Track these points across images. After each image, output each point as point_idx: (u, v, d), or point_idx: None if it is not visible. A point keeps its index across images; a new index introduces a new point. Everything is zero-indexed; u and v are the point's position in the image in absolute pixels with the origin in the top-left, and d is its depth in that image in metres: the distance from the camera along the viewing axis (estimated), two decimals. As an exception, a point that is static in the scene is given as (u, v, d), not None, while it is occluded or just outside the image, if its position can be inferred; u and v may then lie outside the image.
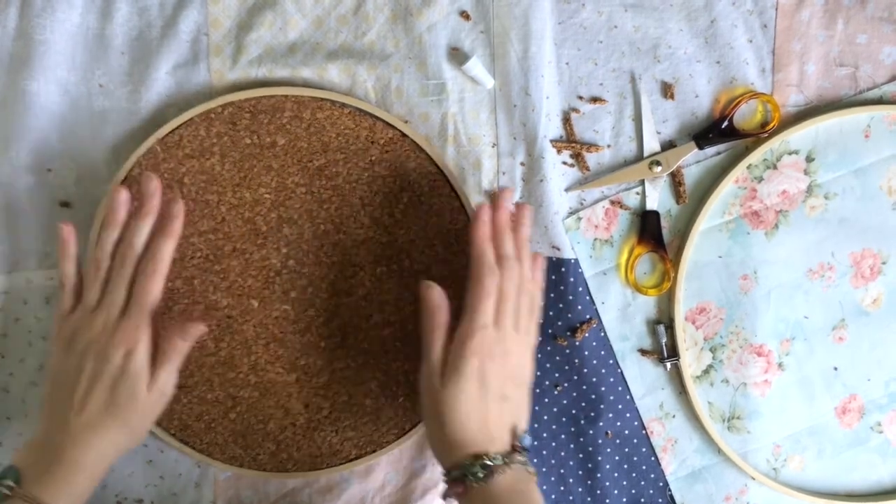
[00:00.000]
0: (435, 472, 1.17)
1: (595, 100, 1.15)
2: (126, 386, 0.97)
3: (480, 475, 0.94)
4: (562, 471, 1.20)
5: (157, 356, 1.00)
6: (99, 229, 1.05)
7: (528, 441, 1.00)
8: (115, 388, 0.97)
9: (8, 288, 1.11)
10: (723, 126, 1.14)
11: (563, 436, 1.19)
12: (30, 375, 1.13)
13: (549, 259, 1.16)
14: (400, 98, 1.13)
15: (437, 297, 1.02)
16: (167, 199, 1.04)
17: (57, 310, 1.03)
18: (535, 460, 1.19)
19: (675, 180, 1.16)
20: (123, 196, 1.03)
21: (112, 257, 1.02)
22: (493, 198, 1.07)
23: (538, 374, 1.17)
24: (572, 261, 1.15)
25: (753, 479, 1.20)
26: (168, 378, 1.02)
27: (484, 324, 0.99)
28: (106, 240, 1.03)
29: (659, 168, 1.14)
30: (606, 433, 1.19)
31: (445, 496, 0.99)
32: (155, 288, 1.00)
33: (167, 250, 1.02)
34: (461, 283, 1.07)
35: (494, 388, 0.99)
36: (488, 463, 0.95)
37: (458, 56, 1.13)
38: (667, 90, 1.15)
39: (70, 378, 0.98)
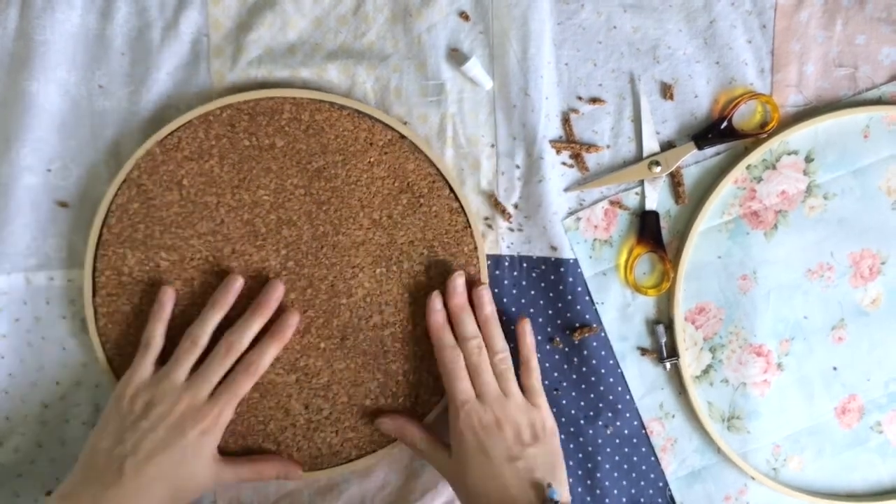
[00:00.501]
0: (434, 473, 1.17)
1: (594, 100, 1.15)
2: (193, 460, 1.00)
3: None
4: (561, 471, 1.20)
5: (239, 462, 1.07)
6: (203, 309, 1.08)
7: (556, 495, 1.01)
8: (180, 462, 0.99)
9: (7, 288, 1.11)
10: (722, 126, 1.14)
11: (562, 435, 1.18)
12: (29, 376, 1.13)
13: (548, 259, 1.16)
14: (399, 98, 1.13)
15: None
16: (284, 307, 1.11)
17: (134, 368, 1.04)
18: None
19: (675, 181, 1.16)
20: (238, 284, 1.09)
21: (209, 337, 1.06)
22: (447, 285, 1.12)
23: (538, 374, 1.18)
24: (571, 261, 1.15)
25: (753, 479, 1.20)
26: (230, 479, 1.06)
27: (464, 400, 1.06)
28: (209, 319, 1.06)
29: (658, 168, 1.14)
30: (606, 431, 1.19)
31: None
32: (249, 385, 1.05)
33: (272, 354, 1.07)
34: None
35: (499, 453, 1.03)
36: None
37: (457, 57, 1.13)
38: (666, 91, 1.15)
39: (132, 440, 0.98)
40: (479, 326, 1.11)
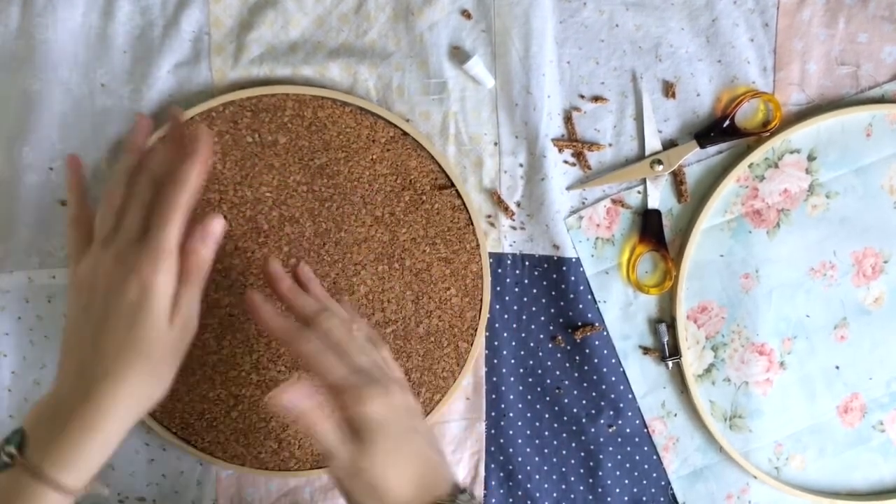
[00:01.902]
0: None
1: (596, 99, 1.15)
2: (144, 320, 0.83)
3: None
4: (563, 469, 1.20)
5: (178, 280, 0.87)
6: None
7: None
8: (132, 326, 0.83)
9: (9, 286, 1.11)
10: (724, 125, 1.14)
11: (564, 434, 1.19)
12: (33, 374, 1.13)
13: (551, 258, 1.16)
14: (401, 97, 1.13)
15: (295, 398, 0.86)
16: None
17: (68, 252, 0.97)
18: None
19: (677, 179, 1.16)
20: (145, 122, 1.02)
21: (128, 186, 0.92)
22: (266, 276, 0.98)
23: (539, 372, 1.18)
24: (574, 260, 1.15)
25: (755, 477, 1.20)
26: (192, 304, 0.89)
27: (343, 375, 0.87)
28: (122, 166, 0.94)
29: (660, 167, 1.14)
30: (608, 430, 1.19)
31: None
32: (179, 206, 0.87)
33: (193, 173, 0.89)
34: (463, 281, 1.08)
35: (399, 426, 0.88)
36: None
37: (459, 55, 1.13)
38: (668, 89, 1.15)
39: (81, 323, 0.86)
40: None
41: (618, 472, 1.20)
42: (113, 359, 0.83)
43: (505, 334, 1.17)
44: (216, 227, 0.90)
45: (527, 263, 1.16)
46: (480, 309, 1.15)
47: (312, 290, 1.01)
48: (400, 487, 0.85)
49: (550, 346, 1.17)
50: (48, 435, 0.81)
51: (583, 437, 1.19)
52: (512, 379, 1.18)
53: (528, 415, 1.19)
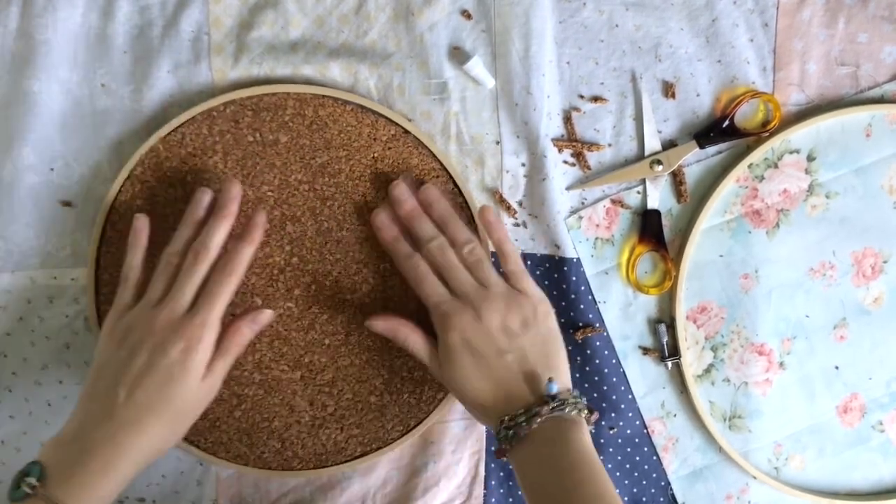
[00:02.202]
0: (436, 470, 1.17)
1: (596, 99, 1.15)
2: (180, 382, 0.93)
3: (511, 436, 0.95)
4: (564, 469, 1.20)
5: (216, 349, 0.98)
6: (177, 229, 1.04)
7: (554, 388, 0.97)
8: (168, 385, 0.93)
9: (11, 287, 1.11)
10: (724, 125, 1.14)
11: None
12: (34, 375, 1.13)
13: (552, 258, 1.16)
14: (402, 97, 1.13)
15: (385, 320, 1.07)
16: (251, 208, 1.09)
17: (115, 303, 1.01)
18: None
19: (676, 179, 1.16)
20: (206, 197, 1.05)
21: (184, 255, 1.00)
22: (390, 195, 1.09)
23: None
24: (574, 260, 1.15)
25: (755, 478, 1.20)
26: (222, 371, 0.99)
27: (437, 302, 1.03)
28: (180, 237, 1.02)
29: (660, 167, 1.14)
30: (609, 431, 1.19)
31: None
32: (228, 290, 0.99)
33: (246, 255, 1.01)
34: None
35: (487, 349, 1.00)
36: (512, 424, 0.95)
37: (459, 55, 1.13)
38: (668, 89, 1.15)
39: (118, 371, 0.94)
40: (438, 227, 1.08)
41: (618, 473, 1.20)
42: (145, 410, 0.92)
43: (506, 333, 1.17)
44: (265, 318, 1.04)
45: (528, 263, 1.16)
46: (482, 308, 1.14)
47: (435, 211, 1.08)
48: (479, 398, 1.00)
49: (551, 345, 1.18)
50: (69, 470, 0.88)
51: (583, 438, 1.19)
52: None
53: (529, 414, 1.19)
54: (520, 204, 1.16)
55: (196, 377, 0.95)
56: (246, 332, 1.01)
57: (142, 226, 1.04)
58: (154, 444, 0.93)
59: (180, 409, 0.95)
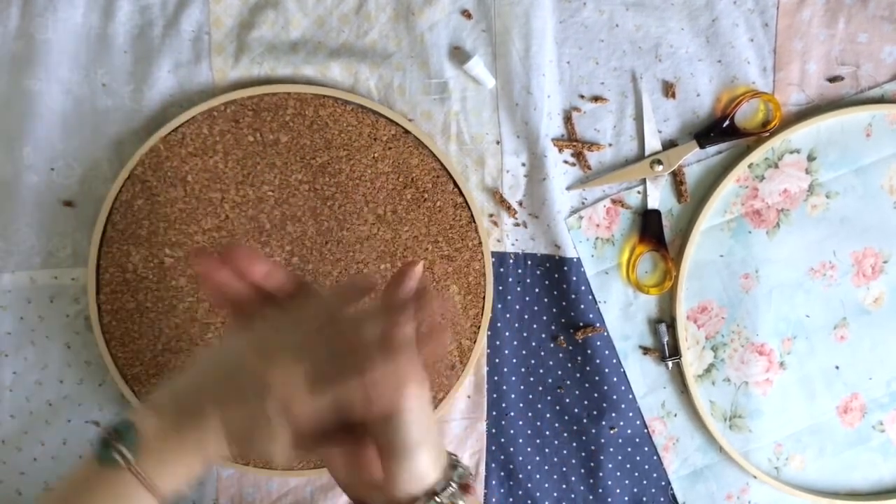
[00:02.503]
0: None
1: (596, 99, 1.15)
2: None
3: None
4: (564, 469, 1.20)
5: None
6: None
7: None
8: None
9: (11, 287, 1.11)
10: (724, 125, 1.14)
11: (565, 434, 1.19)
12: (34, 374, 1.13)
13: (552, 258, 1.16)
14: (403, 96, 1.13)
15: None
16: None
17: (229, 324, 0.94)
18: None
19: (677, 179, 1.16)
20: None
21: None
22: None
23: (541, 371, 1.18)
24: (575, 260, 1.15)
25: (755, 477, 1.20)
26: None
27: None
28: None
29: (660, 167, 1.14)
30: (610, 431, 1.19)
31: None
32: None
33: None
34: (465, 278, 1.08)
35: None
36: None
37: (459, 55, 1.13)
38: (668, 89, 1.15)
39: (225, 379, 0.79)
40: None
41: (618, 472, 1.20)
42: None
43: (507, 333, 1.17)
44: None
45: (529, 263, 1.16)
46: (483, 307, 1.15)
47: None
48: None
49: (552, 345, 1.18)
50: (166, 445, 0.76)
51: (583, 438, 1.19)
52: (513, 378, 1.18)
53: (530, 414, 1.19)
54: (520, 204, 1.16)
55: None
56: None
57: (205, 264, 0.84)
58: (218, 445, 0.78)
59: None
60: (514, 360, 1.18)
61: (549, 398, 1.18)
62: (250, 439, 0.77)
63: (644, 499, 1.22)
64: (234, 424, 0.76)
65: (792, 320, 1.19)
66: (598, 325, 1.16)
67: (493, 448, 1.18)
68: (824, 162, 1.16)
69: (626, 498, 1.21)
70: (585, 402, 1.18)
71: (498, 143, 1.14)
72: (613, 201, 1.17)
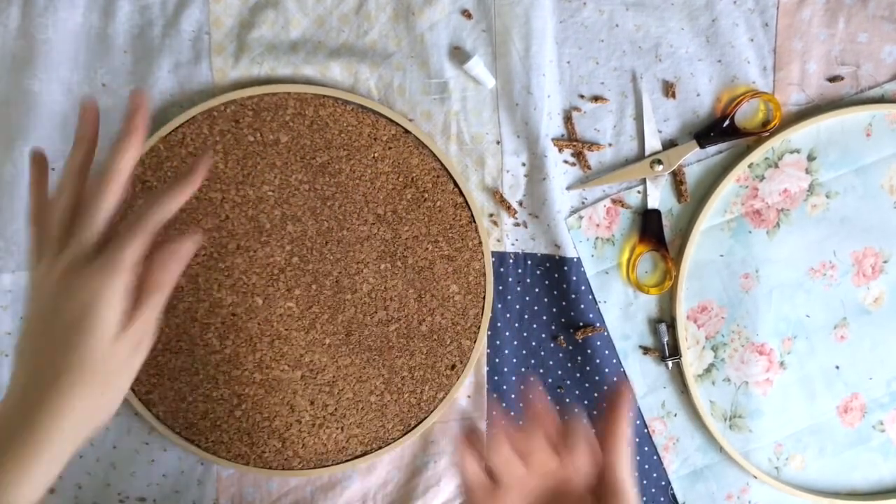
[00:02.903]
0: (437, 469, 1.17)
1: (596, 98, 1.15)
2: (86, 339, 0.77)
3: None
4: (564, 469, 1.20)
5: (134, 297, 0.80)
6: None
7: None
8: (71, 345, 0.76)
9: (12, 287, 1.11)
10: (724, 125, 1.14)
11: (565, 434, 1.19)
12: (33, 374, 1.12)
13: (552, 257, 1.16)
14: (402, 96, 1.13)
15: None
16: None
17: (28, 253, 0.91)
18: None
19: (677, 179, 1.16)
20: (92, 109, 0.89)
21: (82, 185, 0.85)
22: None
23: (541, 371, 1.18)
24: (575, 259, 1.15)
25: (755, 477, 1.20)
26: (147, 322, 0.82)
27: None
28: (75, 164, 0.88)
29: (660, 167, 1.14)
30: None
31: None
32: (147, 229, 0.81)
33: (179, 199, 0.85)
34: (465, 278, 1.08)
35: None
36: None
37: (459, 55, 1.13)
38: (668, 89, 1.15)
39: (30, 335, 0.79)
40: None
41: (618, 472, 1.20)
42: (53, 378, 0.77)
43: (507, 333, 1.17)
44: (189, 247, 0.85)
45: (529, 262, 1.16)
46: (483, 307, 1.15)
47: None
48: None
49: (552, 345, 1.18)
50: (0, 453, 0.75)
51: (583, 438, 1.19)
52: (514, 378, 1.18)
53: (530, 414, 1.19)
54: (520, 204, 1.16)
55: (107, 332, 0.77)
56: (171, 266, 0.83)
57: (39, 159, 0.89)
58: (81, 413, 0.77)
59: (97, 371, 0.78)
60: (514, 360, 1.18)
61: (549, 398, 1.18)
62: None
63: (644, 499, 1.21)
64: None
65: (792, 320, 1.19)
66: (598, 324, 1.16)
67: (494, 448, 1.18)
68: (824, 162, 1.16)
69: (627, 498, 1.21)
70: (586, 403, 1.18)
71: (498, 142, 1.14)
72: (613, 201, 1.17)
